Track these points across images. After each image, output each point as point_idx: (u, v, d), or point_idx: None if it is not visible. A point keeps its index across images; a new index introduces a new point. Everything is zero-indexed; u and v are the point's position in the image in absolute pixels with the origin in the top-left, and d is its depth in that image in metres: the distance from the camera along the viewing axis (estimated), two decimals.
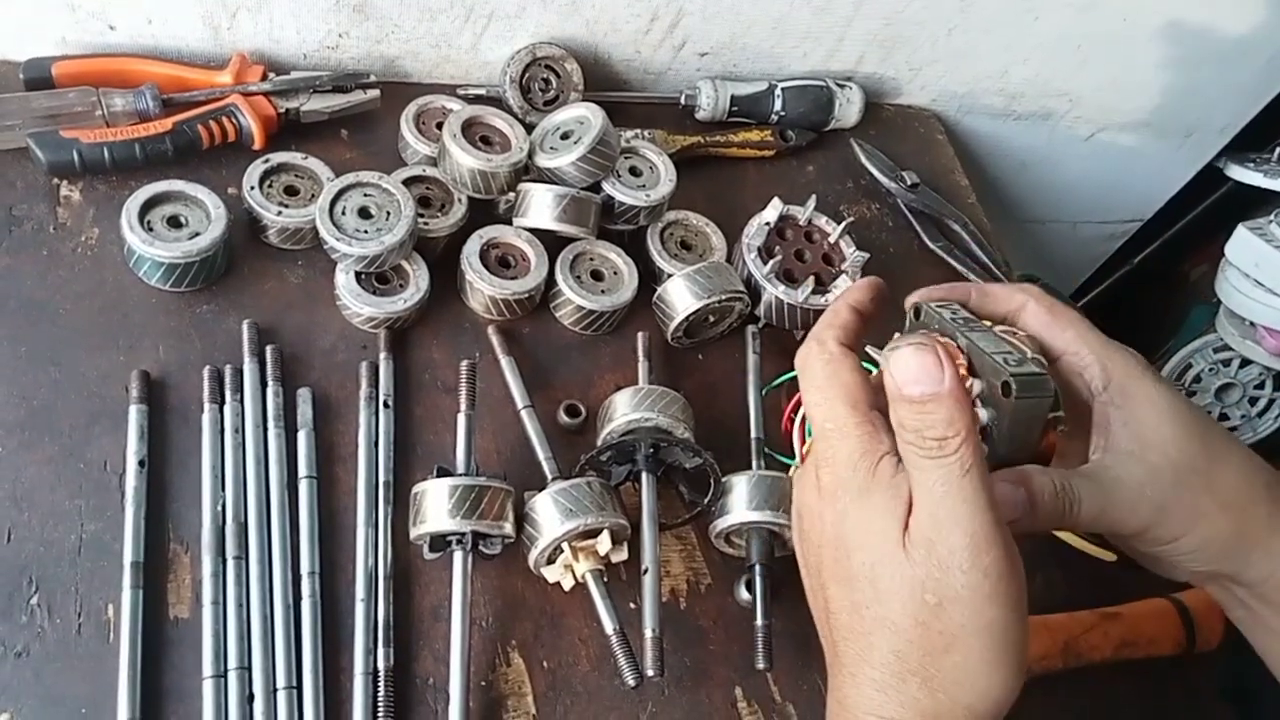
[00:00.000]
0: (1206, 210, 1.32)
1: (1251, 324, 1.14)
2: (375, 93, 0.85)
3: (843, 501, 0.43)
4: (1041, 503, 0.44)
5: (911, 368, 0.41)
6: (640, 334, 0.79)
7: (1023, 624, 0.41)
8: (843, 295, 0.50)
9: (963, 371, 0.45)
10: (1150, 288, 1.44)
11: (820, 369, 0.46)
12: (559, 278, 0.78)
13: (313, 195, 0.77)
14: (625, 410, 0.71)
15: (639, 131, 0.90)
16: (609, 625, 0.63)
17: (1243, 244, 1.11)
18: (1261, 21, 1.08)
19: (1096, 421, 0.48)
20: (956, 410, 0.41)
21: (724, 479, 0.70)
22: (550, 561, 0.66)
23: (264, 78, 0.82)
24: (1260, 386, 1.21)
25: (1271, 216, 1.11)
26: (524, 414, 0.72)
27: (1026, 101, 1.12)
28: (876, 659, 0.42)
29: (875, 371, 0.46)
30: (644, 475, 0.69)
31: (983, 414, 0.44)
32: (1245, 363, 1.19)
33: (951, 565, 0.40)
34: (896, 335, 0.49)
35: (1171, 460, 0.46)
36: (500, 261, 0.79)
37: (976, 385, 0.45)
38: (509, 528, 0.65)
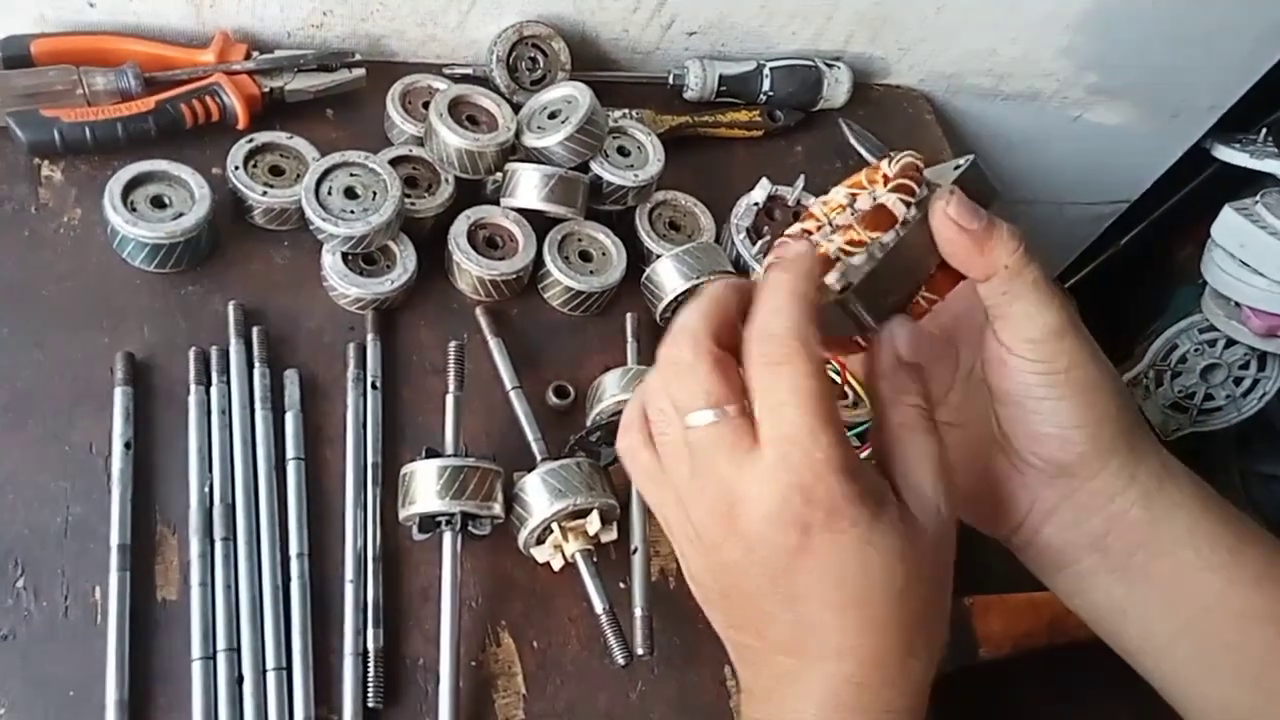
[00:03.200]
0: (1193, 191, 1.33)
1: (1237, 304, 1.14)
2: (360, 72, 0.84)
3: (853, 532, 0.40)
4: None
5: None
6: (629, 314, 0.79)
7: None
8: (801, 277, 0.42)
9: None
10: (1137, 269, 1.45)
11: (810, 383, 0.39)
12: (547, 258, 0.78)
13: (298, 175, 0.76)
14: (614, 391, 0.71)
15: (627, 111, 0.90)
16: (599, 605, 0.63)
17: (1228, 224, 1.11)
18: (1248, 1, 1.08)
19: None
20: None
21: None
22: (540, 542, 0.66)
23: (248, 56, 0.81)
24: (1245, 367, 1.22)
25: (1257, 197, 1.12)
26: (513, 395, 0.72)
27: (1014, 81, 1.12)
28: (892, 657, 0.42)
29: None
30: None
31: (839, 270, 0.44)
32: (1230, 343, 1.20)
33: (942, 521, 0.42)
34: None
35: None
36: (488, 242, 0.79)
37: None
38: (498, 508, 0.64)
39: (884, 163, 0.47)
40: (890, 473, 0.43)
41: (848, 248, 0.43)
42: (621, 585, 0.68)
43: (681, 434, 0.42)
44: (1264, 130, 1.17)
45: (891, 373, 0.44)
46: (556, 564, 0.66)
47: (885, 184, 0.45)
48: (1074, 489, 0.46)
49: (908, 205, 0.43)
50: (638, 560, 0.65)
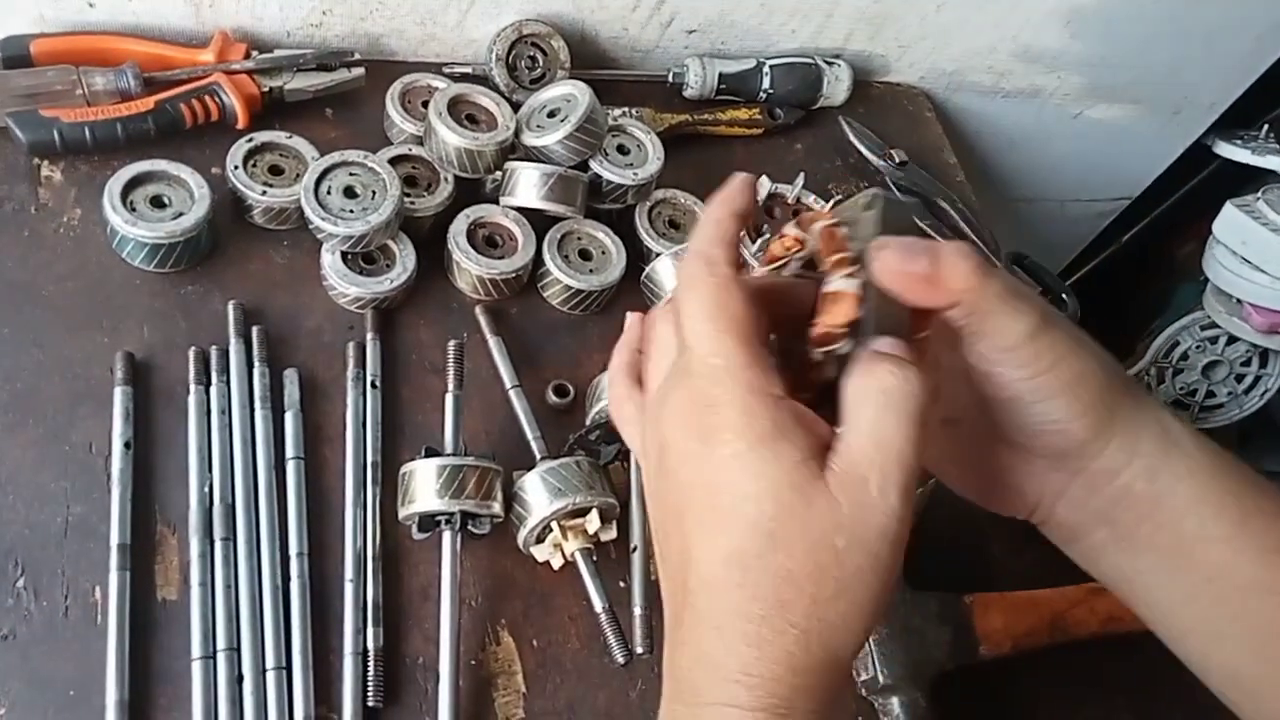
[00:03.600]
0: (1194, 188, 1.32)
1: (1238, 301, 1.14)
2: (360, 71, 0.84)
3: (732, 446, 0.39)
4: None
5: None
6: (629, 313, 0.78)
7: (895, 583, 0.40)
8: (722, 203, 0.44)
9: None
10: (1138, 266, 1.45)
11: (710, 295, 0.40)
12: (546, 257, 0.78)
13: (297, 175, 0.76)
14: None
15: (626, 110, 0.89)
16: (598, 604, 0.63)
17: (1230, 221, 1.11)
18: None
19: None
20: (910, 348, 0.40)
21: None
22: (539, 541, 0.66)
23: (247, 56, 0.81)
24: (1247, 364, 1.21)
25: (1259, 194, 1.11)
26: (512, 394, 0.72)
27: (1015, 79, 1.12)
28: (755, 611, 0.38)
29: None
30: (632, 454, 0.69)
31: (861, 274, 0.41)
32: (1232, 340, 1.20)
33: (878, 505, 0.38)
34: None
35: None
36: (487, 241, 0.79)
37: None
38: (498, 507, 0.64)
39: (789, 228, 0.45)
40: (840, 434, 0.40)
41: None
42: (621, 584, 0.68)
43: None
44: (1265, 127, 1.17)
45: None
46: (556, 563, 0.66)
47: (827, 262, 0.42)
48: (1079, 470, 0.45)
49: (851, 275, 0.41)
50: (637, 559, 0.65)
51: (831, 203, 0.44)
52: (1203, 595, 0.45)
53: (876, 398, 0.39)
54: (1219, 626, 0.46)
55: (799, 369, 0.42)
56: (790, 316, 0.43)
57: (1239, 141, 1.20)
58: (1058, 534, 0.49)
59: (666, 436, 0.41)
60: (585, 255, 0.81)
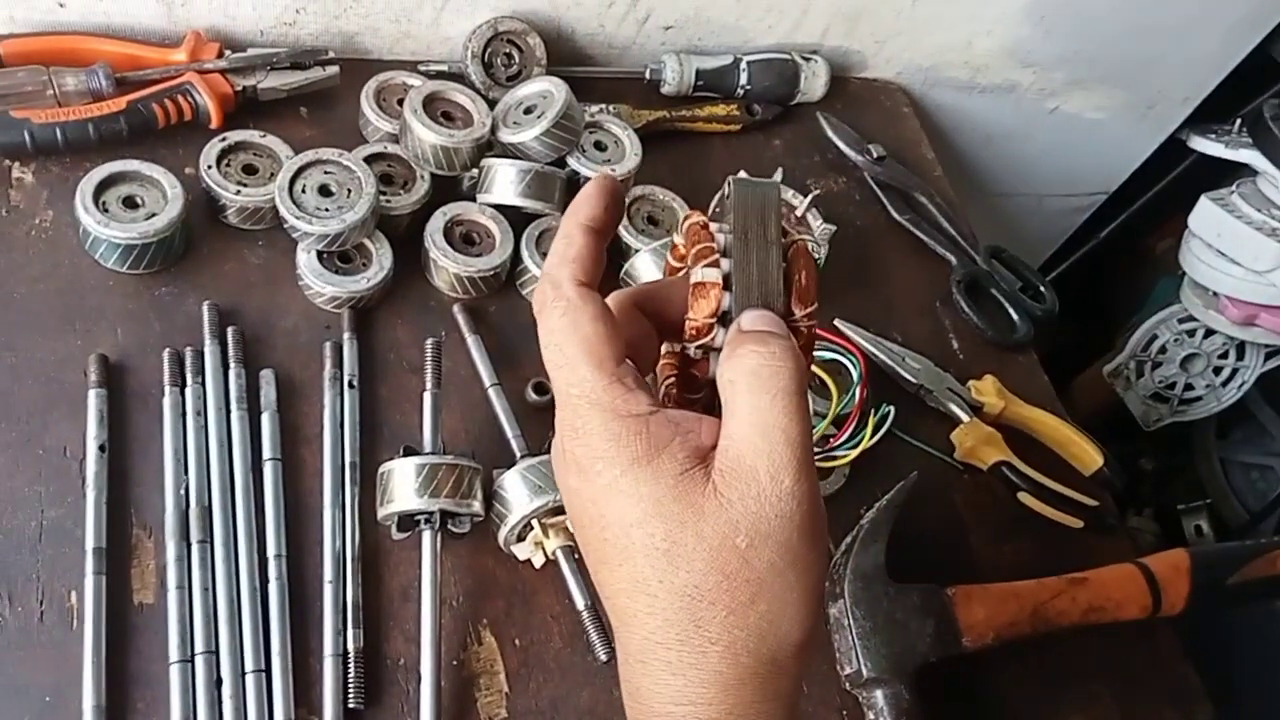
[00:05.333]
0: (1171, 183, 1.33)
1: (1215, 294, 1.15)
2: (334, 69, 0.84)
3: (606, 476, 0.37)
4: None
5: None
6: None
7: (825, 560, 0.39)
8: (571, 214, 0.41)
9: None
10: (1117, 261, 1.46)
11: (557, 319, 0.38)
12: (524, 254, 0.78)
13: (272, 174, 0.76)
14: None
15: (604, 106, 0.89)
16: (580, 602, 0.63)
17: (1205, 214, 1.12)
18: None
19: None
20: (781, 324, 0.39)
21: None
22: (520, 539, 0.66)
23: (220, 55, 0.80)
24: (1224, 356, 1.22)
25: (1233, 187, 1.12)
26: (491, 392, 0.72)
27: (991, 74, 1.12)
28: (671, 636, 0.37)
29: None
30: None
31: (724, 263, 0.39)
32: (1209, 333, 1.21)
33: (771, 493, 0.36)
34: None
35: None
36: (464, 239, 0.78)
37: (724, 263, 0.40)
38: (478, 506, 0.64)
39: (675, 236, 0.44)
40: (722, 428, 0.38)
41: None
42: None
43: None
44: (1238, 121, 1.17)
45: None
46: (538, 561, 0.65)
47: (688, 257, 0.41)
48: None
49: (713, 265, 0.39)
50: None
51: (717, 197, 0.42)
52: None
53: (745, 380, 0.37)
54: None
55: (687, 369, 0.41)
56: (679, 320, 0.41)
57: (1213, 136, 1.21)
58: None
59: (558, 480, 0.41)
60: None
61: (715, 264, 0.39)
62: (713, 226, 0.41)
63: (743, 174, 0.42)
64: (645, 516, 0.37)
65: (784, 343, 0.38)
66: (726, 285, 0.39)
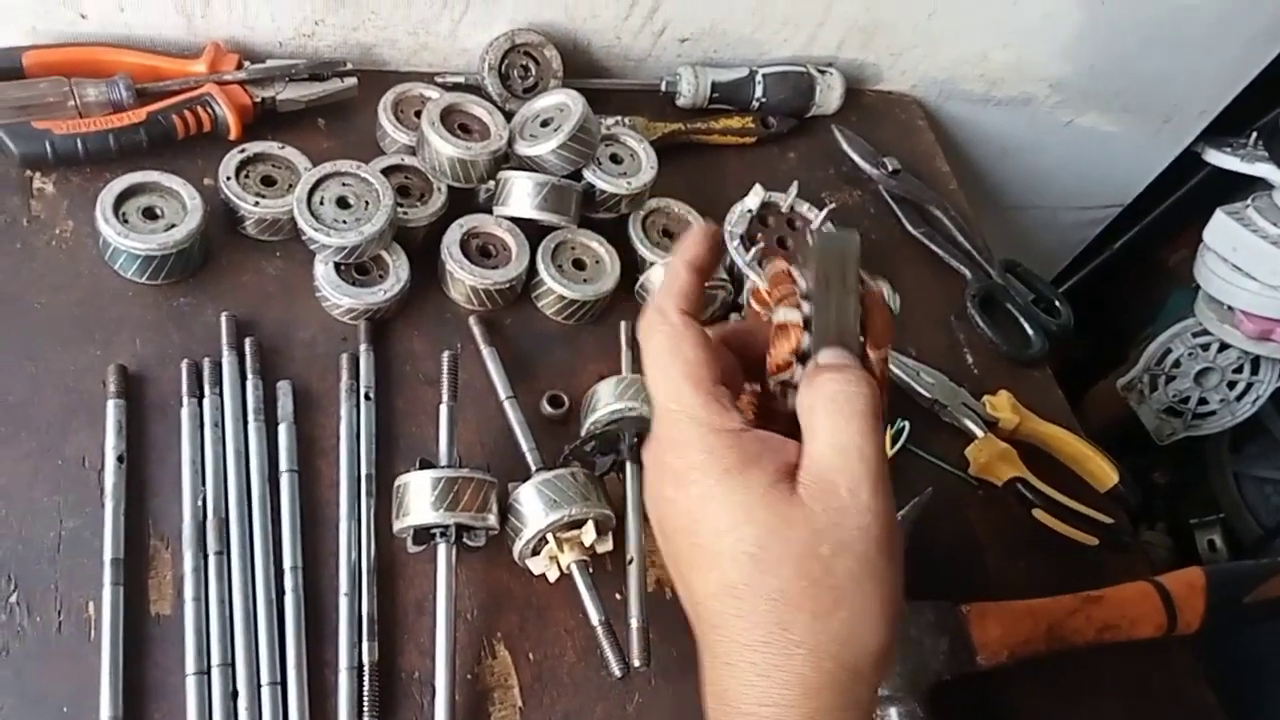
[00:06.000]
0: (1185, 196, 1.33)
1: (1229, 308, 1.15)
2: (352, 81, 0.84)
3: (701, 485, 0.40)
4: None
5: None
6: (623, 323, 0.79)
7: (901, 576, 0.40)
8: (678, 254, 0.46)
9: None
10: (1130, 273, 1.45)
11: (661, 343, 0.43)
12: (540, 267, 0.78)
13: (290, 185, 0.76)
14: (609, 400, 0.71)
15: (619, 119, 0.89)
16: (595, 616, 0.63)
17: (1221, 229, 1.12)
18: (1237, 6, 1.08)
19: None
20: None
21: None
22: (535, 553, 0.66)
23: (239, 66, 0.81)
24: (1238, 370, 1.22)
25: (1249, 201, 1.12)
26: (507, 405, 0.72)
27: (1006, 87, 1.12)
28: (758, 639, 0.39)
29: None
30: (628, 465, 0.69)
31: (805, 306, 0.43)
32: (1224, 347, 1.20)
33: (851, 507, 0.39)
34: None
35: None
36: (481, 251, 0.78)
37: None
38: (493, 519, 0.64)
39: (759, 281, 0.48)
40: (803, 449, 0.41)
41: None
42: (618, 596, 0.67)
43: None
44: (1254, 134, 1.17)
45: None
46: (552, 575, 0.65)
47: (772, 300, 0.45)
48: None
49: (794, 307, 0.44)
50: (633, 571, 0.64)
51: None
52: None
53: (824, 405, 0.40)
54: None
55: (767, 404, 0.44)
56: (761, 358, 0.45)
57: (1228, 149, 1.21)
58: None
59: (650, 491, 0.44)
60: (579, 265, 0.80)
61: (797, 306, 0.43)
62: (795, 273, 0.45)
63: (827, 226, 0.46)
64: (736, 523, 0.39)
65: (859, 372, 0.41)
66: (807, 326, 0.43)
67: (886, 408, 0.42)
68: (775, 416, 0.43)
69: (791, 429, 0.42)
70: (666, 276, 0.45)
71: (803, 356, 0.43)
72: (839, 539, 0.39)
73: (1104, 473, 0.83)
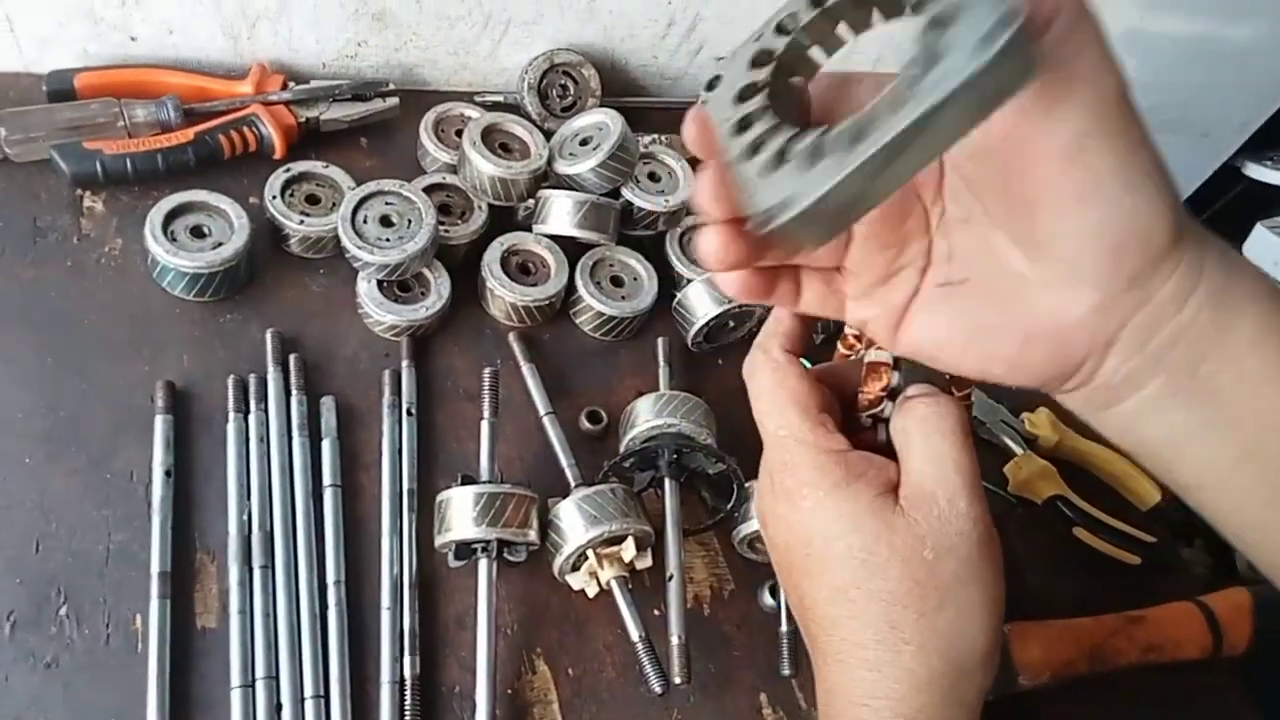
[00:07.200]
0: (1224, 209, 1.31)
1: None
2: (394, 101, 0.85)
3: (811, 499, 0.43)
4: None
5: None
6: (660, 339, 0.79)
7: (1002, 580, 0.42)
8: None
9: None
10: None
11: (768, 377, 0.46)
12: (579, 284, 0.78)
13: (334, 204, 0.77)
14: (648, 416, 0.71)
15: (657, 136, 0.90)
16: (634, 632, 0.63)
17: (1261, 242, 1.10)
18: (1278, 20, 1.07)
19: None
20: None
21: (746, 484, 0.70)
22: (575, 568, 0.66)
23: (284, 87, 0.82)
24: None
25: None
26: (546, 420, 0.73)
27: None
28: (869, 637, 0.42)
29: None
30: (667, 481, 0.69)
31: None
32: None
33: (950, 514, 0.41)
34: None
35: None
36: (521, 268, 0.79)
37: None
38: (533, 535, 0.65)
39: (847, 327, 0.51)
40: (901, 467, 0.44)
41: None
42: (657, 612, 0.67)
43: None
44: None
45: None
46: (591, 591, 0.66)
47: (862, 343, 0.49)
48: (1143, 300, 0.37)
49: (883, 348, 0.46)
50: (673, 587, 0.65)
51: None
52: (1261, 448, 0.40)
53: (917, 426, 0.43)
54: (1277, 487, 0.40)
55: (857, 437, 0.47)
56: (851, 395, 0.48)
57: (1269, 163, 1.19)
58: (1099, 398, 0.40)
59: (763, 511, 0.47)
60: (617, 282, 0.81)
61: (885, 347, 0.45)
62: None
63: None
64: (845, 531, 0.42)
65: (946, 396, 0.44)
66: (896, 366, 0.46)
67: None
68: (865, 450, 0.46)
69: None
70: (770, 320, 0.49)
71: (893, 393, 0.46)
72: (941, 544, 0.41)
73: (1146, 491, 0.82)
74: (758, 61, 0.38)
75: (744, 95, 0.37)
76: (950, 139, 0.31)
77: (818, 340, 0.82)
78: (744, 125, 0.36)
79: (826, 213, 0.32)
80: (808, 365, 0.47)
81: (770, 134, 0.35)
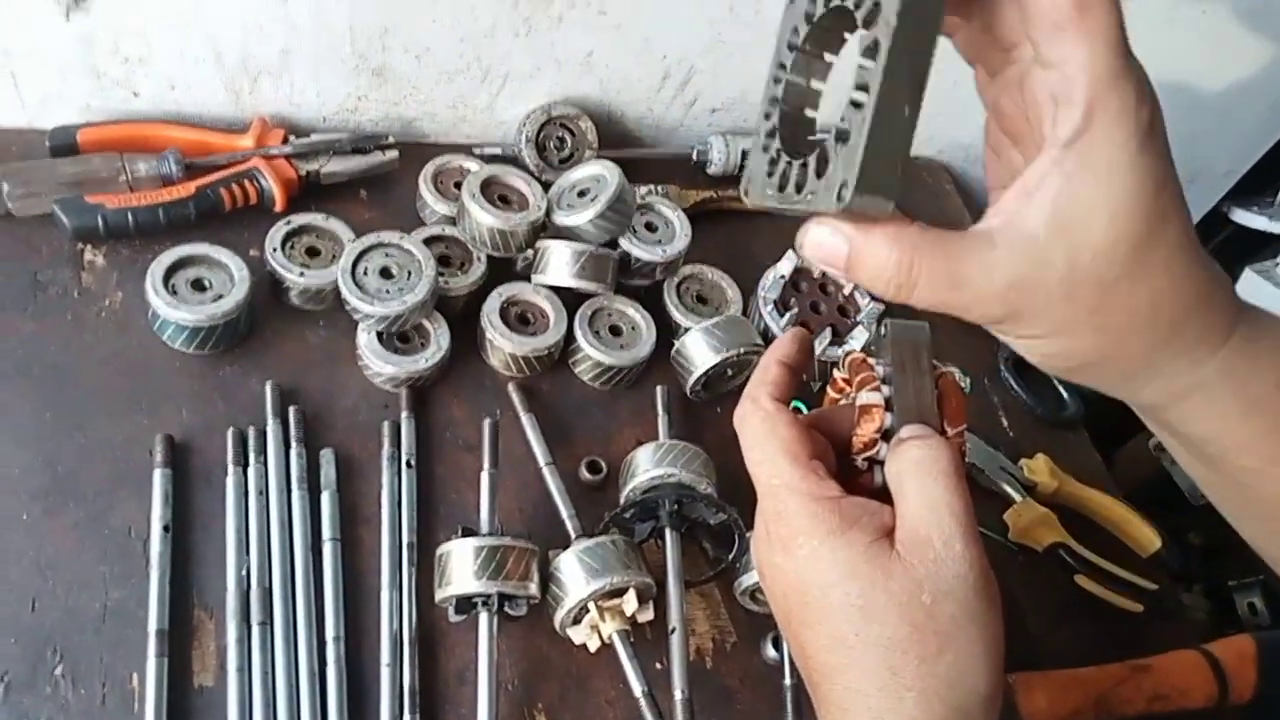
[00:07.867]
0: (1212, 253, 1.32)
1: None
2: (394, 153, 0.86)
3: (807, 547, 0.43)
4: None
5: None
6: (659, 388, 0.79)
7: (1001, 621, 0.42)
8: (770, 351, 0.51)
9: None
10: None
11: (758, 427, 0.47)
12: (578, 334, 0.79)
13: (334, 256, 0.78)
14: (647, 466, 0.71)
15: (653, 187, 0.91)
16: (637, 688, 0.62)
17: (1250, 286, 1.11)
18: (1264, 67, 1.09)
19: (1029, 173, 0.40)
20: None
21: (747, 534, 0.69)
22: (576, 622, 0.65)
23: (285, 141, 0.83)
24: None
25: (1277, 259, 1.12)
26: (546, 471, 0.72)
27: None
28: (870, 685, 0.42)
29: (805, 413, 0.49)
30: (668, 532, 0.69)
31: (884, 389, 0.47)
32: None
33: (946, 558, 0.41)
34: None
35: (1075, 267, 0.40)
36: (520, 319, 0.79)
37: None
38: (534, 588, 0.64)
39: (836, 370, 0.52)
40: (896, 511, 0.44)
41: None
42: (659, 666, 0.67)
43: None
44: None
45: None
46: (593, 645, 0.65)
47: (853, 386, 0.49)
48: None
49: (875, 390, 0.47)
50: (676, 640, 0.64)
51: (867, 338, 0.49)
52: None
53: (911, 469, 0.43)
54: None
55: (853, 481, 0.47)
56: (844, 439, 0.48)
57: (1255, 208, 1.21)
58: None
59: (760, 560, 0.47)
60: (615, 331, 0.81)
61: (877, 389, 0.47)
62: (871, 360, 0.49)
63: (890, 320, 0.49)
64: (842, 578, 0.42)
65: (939, 438, 0.44)
66: (888, 407, 0.46)
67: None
68: (860, 493, 0.46)
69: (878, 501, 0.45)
70: (757, 370, 0.49)
71: (886, 434, 0.46)
72: (938, 587, 0.41)
73: (1146, 537, 0.83)
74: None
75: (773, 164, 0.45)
76: (929, 38, 0.38)
77: (814, 388, 0.82)
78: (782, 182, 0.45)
79: (878, 164, 0.39)
80: (804, 409, 0.47)
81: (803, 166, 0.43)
